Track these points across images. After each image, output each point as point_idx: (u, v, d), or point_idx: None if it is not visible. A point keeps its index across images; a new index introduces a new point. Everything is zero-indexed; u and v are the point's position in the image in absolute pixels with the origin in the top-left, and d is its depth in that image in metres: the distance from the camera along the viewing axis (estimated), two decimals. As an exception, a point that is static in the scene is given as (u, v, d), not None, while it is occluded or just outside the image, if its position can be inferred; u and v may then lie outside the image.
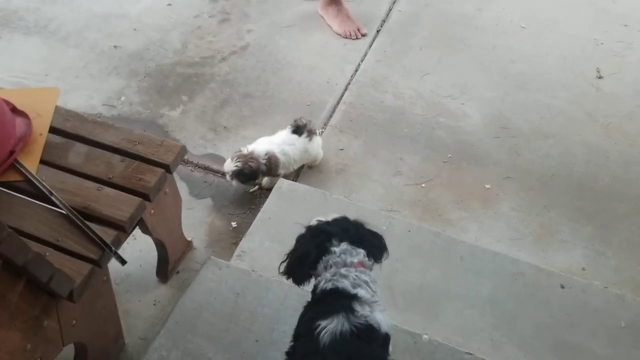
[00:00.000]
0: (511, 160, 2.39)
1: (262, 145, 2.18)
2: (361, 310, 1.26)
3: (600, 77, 2.72)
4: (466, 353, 1.61)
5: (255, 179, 2.18)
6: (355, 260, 1.35)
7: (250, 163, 2.11)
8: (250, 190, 2.27)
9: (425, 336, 1.63)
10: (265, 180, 2.25)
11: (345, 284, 1.30)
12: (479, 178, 2.32)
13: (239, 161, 2.12)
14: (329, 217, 1.45)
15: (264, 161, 2.14)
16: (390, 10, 3.07)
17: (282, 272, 1.41)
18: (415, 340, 1.62)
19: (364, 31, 2.88)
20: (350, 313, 1.25)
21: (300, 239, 1.43)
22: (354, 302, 1.27)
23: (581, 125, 2.53)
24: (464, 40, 2.89)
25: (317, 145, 2.28)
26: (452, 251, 1.96)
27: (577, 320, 1.80)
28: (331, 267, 1.34)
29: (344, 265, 1.34)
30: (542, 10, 3.07)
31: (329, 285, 1.31)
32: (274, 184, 2.19)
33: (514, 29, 2.97)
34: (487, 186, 2.29)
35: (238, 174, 2.13)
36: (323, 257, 1.37)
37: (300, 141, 2.21)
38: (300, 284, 1.42)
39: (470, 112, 2.57)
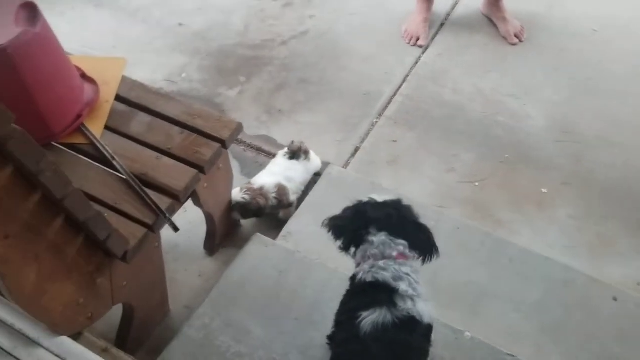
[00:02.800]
0: (571, 166, 2.31)
1: (270, 178, 2.06)
2: (403, 304, 1.24)
3: (673, 87, 2.59)
4: (508, 354, 1.57)
5: (258, 216, 2.06)
6: (395, 252, 1.31)
7: (258, 199, 1.98)
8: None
9: (467, 333, 1.61)
10: (282, 212, 2.13)
11: (385, 276, 1.27)
12: (536, 181, 2.25)
13: (247, 193, 1.98)
14: (382, 198, 1.40)
15: (273, 194, 2.01)
16: (456, 3, 3.00)
17: (324, 224, 1.41)
18: (456, 336, 1.60)
19: (420, 42, 2.78)
20: (392, 306, 1.24)
21: (343, 213, 1.41)
22: (395, 296, 1.25)
23: (649, 137, 2.42)
24: (532, 39, 2.80)
25: (315, 161, 2.21)
26: (502, 252, 1.92)
27: (627, 335, 1.74)
28: (369, 258, 1.32)
29: (382, 258, 1.31)
30: (616, 15, 2.94)
31: (369, 277, 1.29)
32: (291, 214, 2.09)
33: (585, 32, 2.86)
34: (543, 190, 2.22)
35: (242, 207, 1.98)
36: (360, 246, 1.34)
37: (300, 164, 2.13)
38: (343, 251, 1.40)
39: (532, 113, 2.50)
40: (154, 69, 2.69)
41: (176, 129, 1.69)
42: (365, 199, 1.40)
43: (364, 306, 1.26)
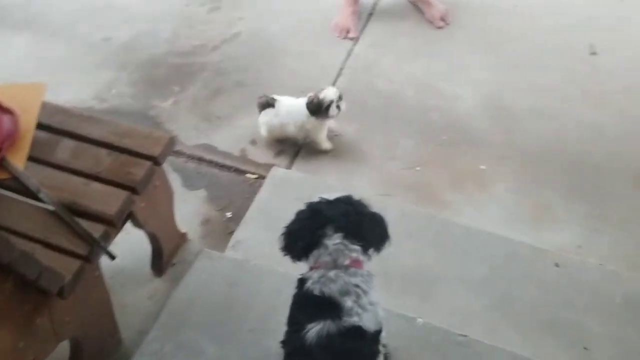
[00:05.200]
0: (506, 140, 2.37)
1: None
2: (348, 318, 1.24)
3: (594, 54, 2.68)
4: (460, 335, 1.60)
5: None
6: (348, 261, 1.28)
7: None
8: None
9: (419, 320, 1.63)
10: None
11: (332, 290, 1.25)
12: (474, 159, 2.30)
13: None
14: (333, 196, 1.36)
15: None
16: (381, -8, 3.03)
17: (280, 247, 1.35)
18: (409, 324, 1.62)
19: (351, 34, 2.80)
20: (337, 319, 1.23)
21: (298, 216, 1.36)
22: (340, 311, 1.24)
23: (575, 103, 2.50)
24: (457, 21, 2.86)
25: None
26: (447, 233, 1.96)
27: (572, 298, 1.80)
28: (321, 265, 1.28)
29: (334, 267, 1.27)
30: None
31: (316, 290, 1.27)
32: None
33: (506, 7, 2.93)
34: (482, 167, 2.27)
35: (340, 99, 2.22)
36: (315, 250, 1.30)
37: (284, 105, 2.30)
38: (298, 261, 1.36)
39: (464, 93, 2.55)
40: (81, 88, 2.61)
41: (104, 151, 1.64)
42: (316, 199, 1.36)
43: (307, 318, 1.25)
